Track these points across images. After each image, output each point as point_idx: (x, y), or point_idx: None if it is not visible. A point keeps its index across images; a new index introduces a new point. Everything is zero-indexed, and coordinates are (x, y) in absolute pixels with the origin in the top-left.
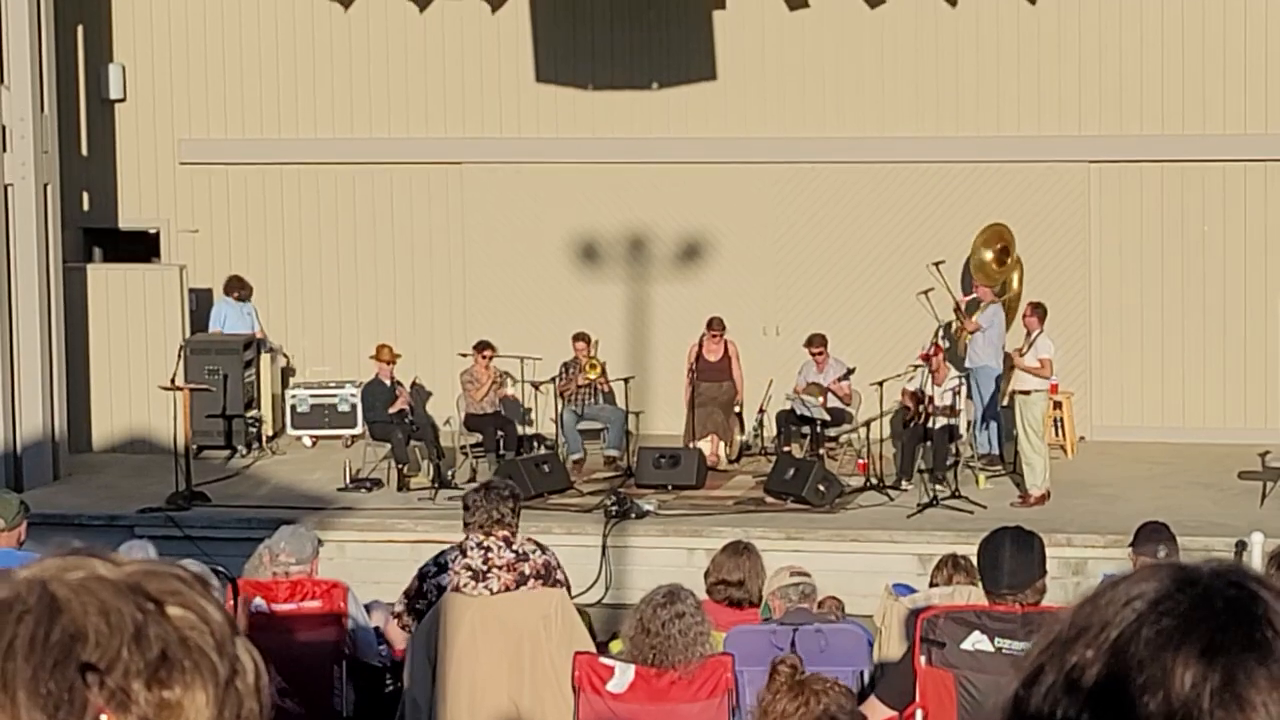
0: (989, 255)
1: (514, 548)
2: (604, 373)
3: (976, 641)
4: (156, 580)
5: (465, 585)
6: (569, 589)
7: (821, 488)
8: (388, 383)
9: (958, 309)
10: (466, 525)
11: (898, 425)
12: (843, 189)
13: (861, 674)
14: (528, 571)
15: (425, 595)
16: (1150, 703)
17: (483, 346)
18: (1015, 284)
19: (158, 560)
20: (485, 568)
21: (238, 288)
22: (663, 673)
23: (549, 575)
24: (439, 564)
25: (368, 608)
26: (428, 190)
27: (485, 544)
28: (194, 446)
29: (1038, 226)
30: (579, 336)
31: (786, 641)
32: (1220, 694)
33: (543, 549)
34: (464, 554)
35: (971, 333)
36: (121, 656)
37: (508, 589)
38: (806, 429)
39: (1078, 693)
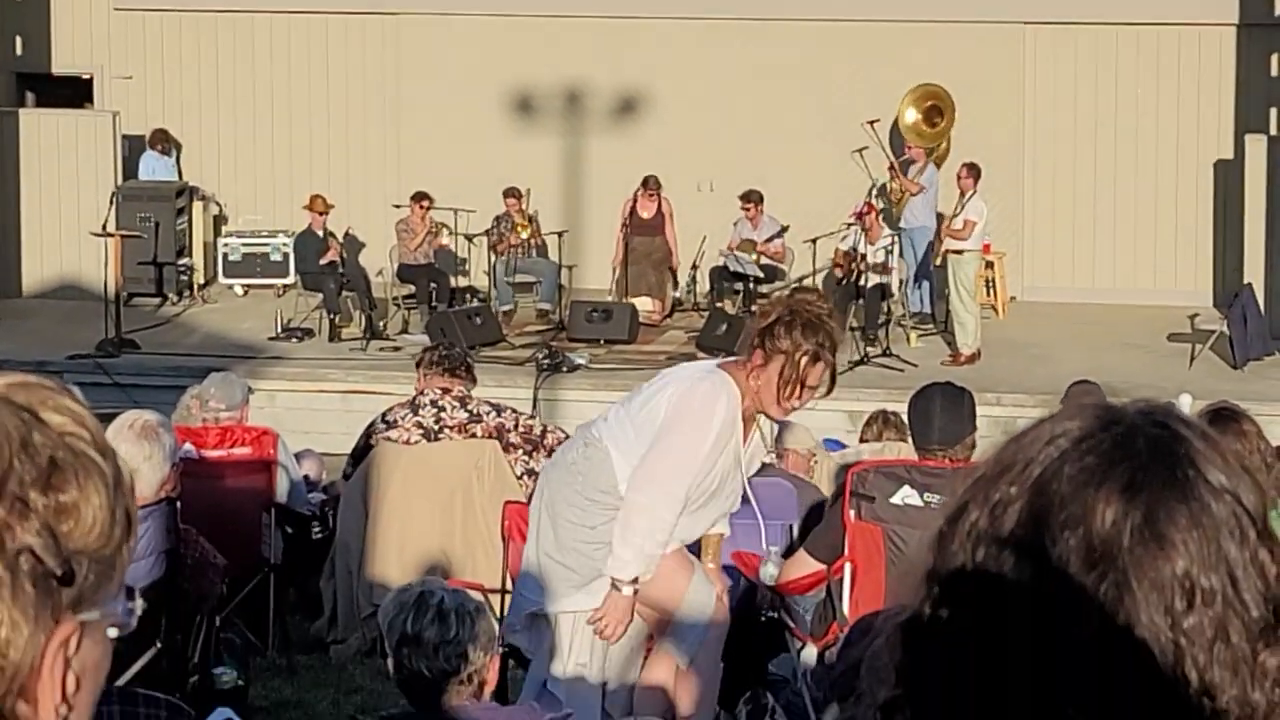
0: (916, 115)
1: (468, 408)
2: (537, 229)
3: (906, 496)
4: (25, 391)
5: (415, 441)
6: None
7: None
8: (320, 233)
9: (892, 169)
10: (425, 375)
11: (830, 283)
12: (779, 46)
13: (790, 528)
14: (480, 434)
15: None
16: (1071, 539)
17: (420, 197)
18: (944, 144)
19: (19, 373)
20: (437, 426)
21: (162, 140)
22: None
23: (502, 438)
24: (387, 420)
25: (298, 456)
26: (363, 41)
27: (440, 402)
28: (124, 293)
29: (973, 87)
30: (510, 192)
31: None
32: (1140, 531)
33: (498, 410)
34: (415, 411)
35: (915, 194)
36: (14, 467)
37: None
38: (740, 285)
39: (1000, 529)
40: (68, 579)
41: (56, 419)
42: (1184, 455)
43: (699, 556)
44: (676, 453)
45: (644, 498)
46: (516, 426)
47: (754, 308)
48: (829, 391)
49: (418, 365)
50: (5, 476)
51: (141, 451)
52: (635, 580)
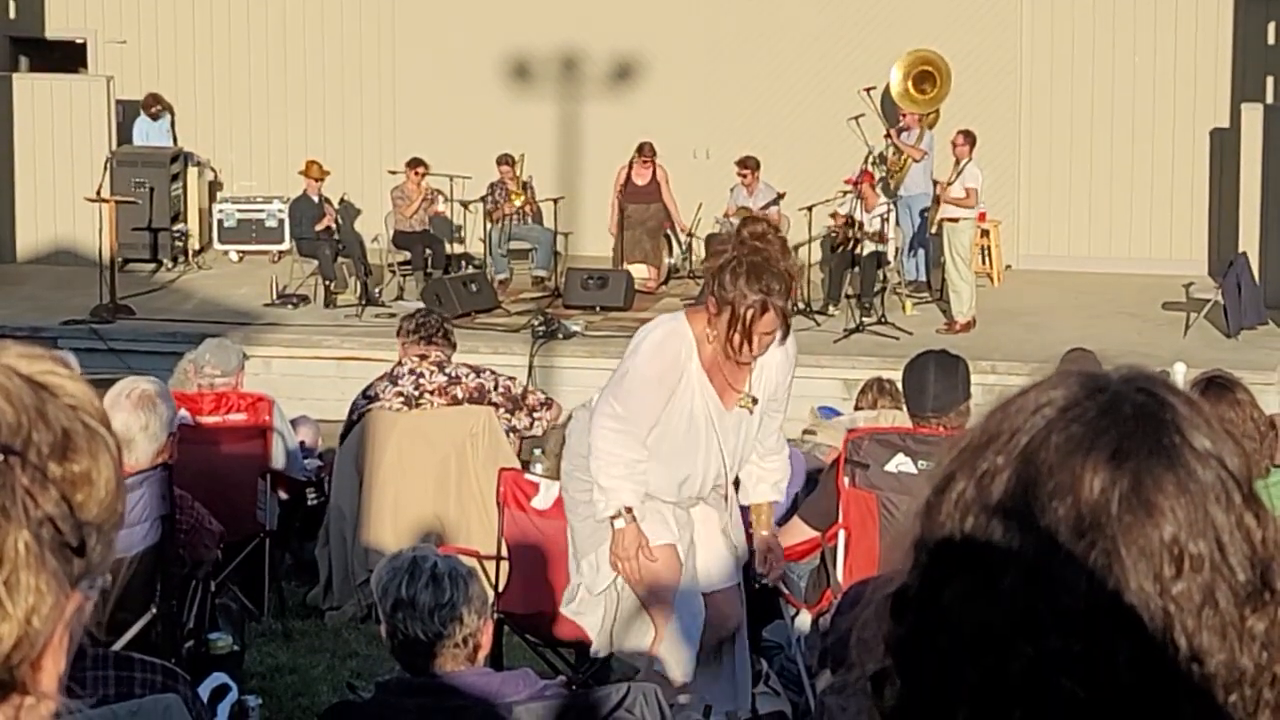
0: (906, 83)
1: (446, 371)
2: (531, 196)
3: (900, 463)
4: (28, 362)
5: (399, 410)
6: (512, 409)
7: None
8: (316, 199)
9: (889, 136)
10: (404, 344)
11: (826, 250)
12: (775, 12)
13: (796, 495)
14: (460, 395)
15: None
16: (1059, 508)
17: (415, 163)
18: (934, 112)
19: (20, 345)
20: (417, 393)
21: (155, 104)
22: None
23: (481, 398)
24: (368, 396)
25: (294, 423)
26: (358, 5)
27: (417, 370)
28: (119, 259)
29: (969, 53)
30: (503, 159)
31: None
32: (1128, 499)
33: (478, 372)
34: (394, 382)
35: (918, 160)
36: (33, 438)
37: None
38: None
39: (987, 499)
40: (81, 550)
41: (64, 391)
42: (1169, 421)
43: (750, 526)
44: (615, 381)
45: (594, 428)
46: (496, 387)
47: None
48: (785, 335)
49: (397, 334)
50: (25, 446)
51: (138, 421)
52: (620, 514)
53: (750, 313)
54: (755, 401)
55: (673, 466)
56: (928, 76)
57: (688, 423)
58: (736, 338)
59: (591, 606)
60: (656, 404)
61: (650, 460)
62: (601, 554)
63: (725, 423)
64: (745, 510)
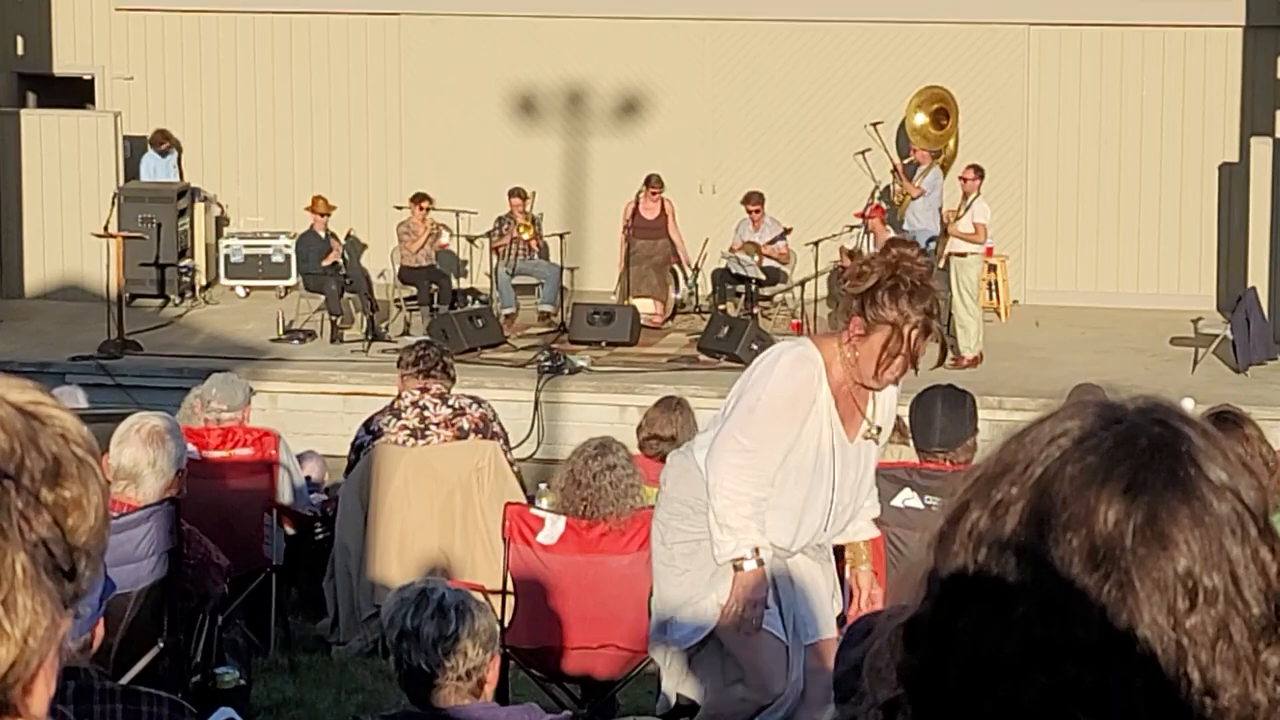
0: (924, 118)
1: (450, 403)
2: (538, 231)
3: (906, 498)
4: (19, 391)
5: (405, 444)
6: (507, 441)
7: (755, 346)
8: (322, 234)
9: (895, 171)
10: (403, 377)
11: (833, 284)
12: (782, 46)
13: None
14: (466, 426)
15: None
16: (1073, 539)
17: (420, 198)
18: (951, 146)
19: (10, 377)
20: (423, 426)
21: (163, 140)
22: (593, 524)
23: (486, 429)
24: (371, 430)
25: (300, 458)
26: (365, 41)
27: (420, 402)
28: (127, 295)
29: (976, 89)
30: (515, 192)
31: None
32: (1142, 531)
33: (479, 402)
34: (398, 416)
35: (915, 197)
36: (26, 464)
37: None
38: (741, 287)
39: (1001, 530)
40: (72, 574)
41: (54, 420)
42: (1185, 453)
43: (841, 563)
44: (739, 412)
45: (717, 464)
46: (497, 416)
47: (755, 310)
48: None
49: (398, 365)
50: (19, 471)
51: (147, 456)
52: (745, 557)
53: (914, 332)
54: (879, 430)
55: (793, 505)
56: (943, 112)
57: (815, 455)
58: (893, 360)
59: (677, 658)
60: (788, 432)
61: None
62: (700, 607)
63: (847, 455)
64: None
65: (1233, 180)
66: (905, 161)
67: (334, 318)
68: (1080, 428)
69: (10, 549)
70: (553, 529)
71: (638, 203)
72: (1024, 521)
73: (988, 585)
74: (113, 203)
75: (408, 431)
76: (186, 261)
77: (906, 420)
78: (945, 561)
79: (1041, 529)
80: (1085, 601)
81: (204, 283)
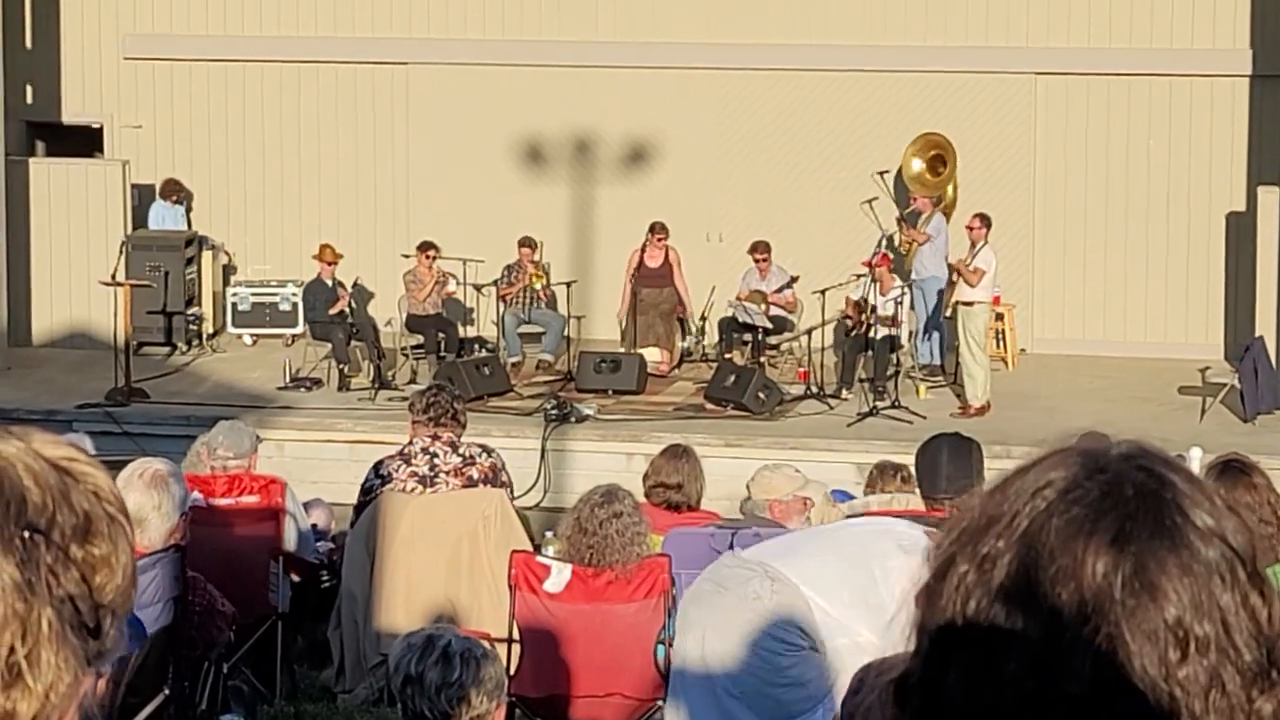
0: (921, 165)
1: (460, 451)
2: (548, 281)
3: None
4: (53, 447)
5: (413, 490)
6: (513, 490)
7: (762, 395)
8: (329, 283)
9: (900, 220)
10: (414, 423)
11: (839, 334)
12: (789, 96)
13: None
14: (475, 476)
15: None
16: (1062, 592)
17: (426, 246)
18: (950, 192)
19: (46, 433)
20: (432, 473)
21: (174, 191)
22: (600, 572)
23: (495, 479)
24: (381, 475)
25: (306, 506)
26: (372, 90)
27: (431, 449)
28: (134, 343)
29: (982, 138)
30: (525, 241)
31: (725, 544)
32: (1131, 582)
33: (489, 451)
34: (408, 461)
35: (921, 244)
36: (57, 520)
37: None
38: (748, 336)
39: (989, 583)
40: (97, 632)
41: (86, 478)
42: (1170, 501)
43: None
44: None
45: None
46: (506, 465)
47: (761, 359)
48: None
49: (409, 409)
50: (50, 527)
51: (151, 501)
52: None
53: None
54: None
55: None
56: (939, 158)
57: None
58: None
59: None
60: None
61: None
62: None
63: None
64: None
65: (1240, 229)
66: (906, 210)
67: (341, 366)
68: (1065, 478)
69: (38, 604)
70: (559, 577)
71: (643, 250)
72: (1012, 575)
73: (977, 640)
74: (120, 251)
75: (416, 479)
76: (194, 309)
77: (913, 469)
78: (933, 616)
79: (1029, 582)
80: (1076, 654)
81: (211, 331)
